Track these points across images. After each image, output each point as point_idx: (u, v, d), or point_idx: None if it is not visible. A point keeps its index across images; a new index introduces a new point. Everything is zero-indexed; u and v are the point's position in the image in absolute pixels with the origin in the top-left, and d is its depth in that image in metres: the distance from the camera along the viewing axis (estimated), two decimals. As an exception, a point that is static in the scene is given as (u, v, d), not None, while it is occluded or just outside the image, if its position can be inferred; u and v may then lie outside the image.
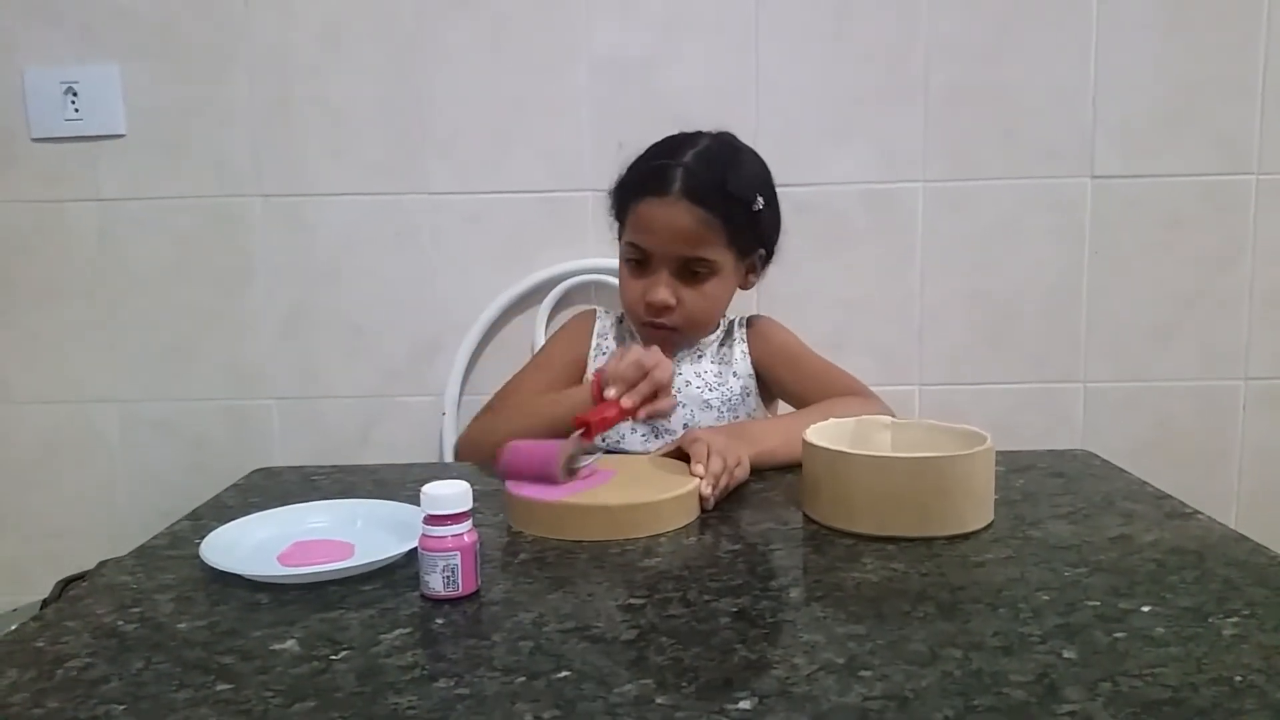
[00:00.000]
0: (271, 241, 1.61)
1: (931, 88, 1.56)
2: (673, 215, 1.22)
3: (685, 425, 1.29)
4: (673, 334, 1.29)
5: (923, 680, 0.63)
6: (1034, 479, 1.10)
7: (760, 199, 1.26)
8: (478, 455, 1.26)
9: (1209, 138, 1.56)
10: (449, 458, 1.56)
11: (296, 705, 0.62)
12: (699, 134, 1.30)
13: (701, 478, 0.99)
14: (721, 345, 1.38)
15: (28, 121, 1.58)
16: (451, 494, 0.78)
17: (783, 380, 1.36)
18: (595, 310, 1.44)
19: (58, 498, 1.66)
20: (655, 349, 1.12)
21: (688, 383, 1.32)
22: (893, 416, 1.14)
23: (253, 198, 1.60)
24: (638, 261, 1.28)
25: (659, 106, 1.55)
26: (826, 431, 1.02)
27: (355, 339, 1.62)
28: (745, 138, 1.56)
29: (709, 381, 1.33)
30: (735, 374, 1.35)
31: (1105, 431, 1.61)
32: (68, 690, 0.65)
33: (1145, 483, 1.08)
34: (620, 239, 1.32)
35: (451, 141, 1.59)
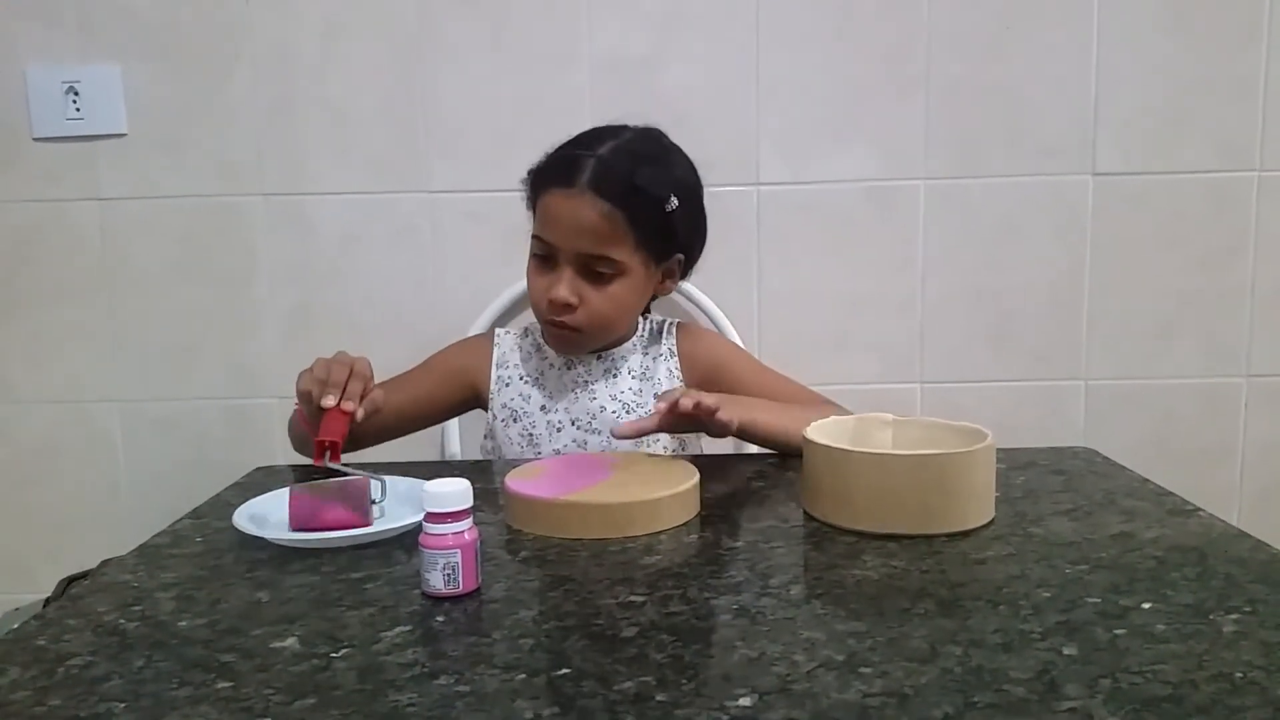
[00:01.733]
0: (273, 240, 1.61)
1: (933, 85, 1.56)
2: (575, 208, 1.15)
3: (604, 451, 1.22)
4: (576, 334, 1.21)
5: (923, 677, 0.63)
6: (1035, 476, 1.10)
7: (674, 199, 1.17)
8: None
9: (1211, 135, 1.56)
10: (451, 455, 1.56)
11: (297, 703, 0.62)
12: (624, 127, 1.22)
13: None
14: (644, 358, 1.29)
15: (29, 121, 1.58)
16: (452, 492, 0.78)
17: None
18: (493, 333, 1.35)
19: (60, 497, 1.67)
20: (342, 353, 1.10)
21: (602, 408, 1.24)
22: None
23: (254, 196, 1.60)
24: (544, 257, 1.20)
25: (660, 105, 1.55)
26: (827, 429, 1.02)
27: (357, 338, 1.61)
28: (746, 136, 1.57)
29: (626, 402, 1.25)
30: (657, 394, 1.24)
31: (1107, 429, 1.61)
32: (69, 688, 0.65)
33: (1146, 480, 1.08)
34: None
35: (453, 140, 1.59)
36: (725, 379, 1.29)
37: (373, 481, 0.99)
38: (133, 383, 1.64)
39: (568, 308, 1.18)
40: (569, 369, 1.28)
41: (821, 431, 1.00)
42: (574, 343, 1.24)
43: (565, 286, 1.17)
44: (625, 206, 1.15)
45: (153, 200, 1.60)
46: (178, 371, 1.64)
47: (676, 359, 1.29)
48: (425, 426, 1.34)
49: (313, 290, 1.62)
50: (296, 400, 1.12)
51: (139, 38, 1.57)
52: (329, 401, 1.04)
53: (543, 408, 1.26)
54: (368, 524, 0.94)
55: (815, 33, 1.56)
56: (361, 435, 1.19)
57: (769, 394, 1.26)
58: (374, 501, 0.98)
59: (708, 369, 1.29)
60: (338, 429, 1.04)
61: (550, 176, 1.19)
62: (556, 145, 1.24)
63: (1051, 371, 1.62)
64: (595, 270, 1.18)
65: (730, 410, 1.08)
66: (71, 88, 1.56)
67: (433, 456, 1.59)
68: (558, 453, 1.23)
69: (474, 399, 1.32)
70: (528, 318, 1.59)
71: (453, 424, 1.56)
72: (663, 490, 0.96)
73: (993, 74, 1.56)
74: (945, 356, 1.62)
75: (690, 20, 1.56)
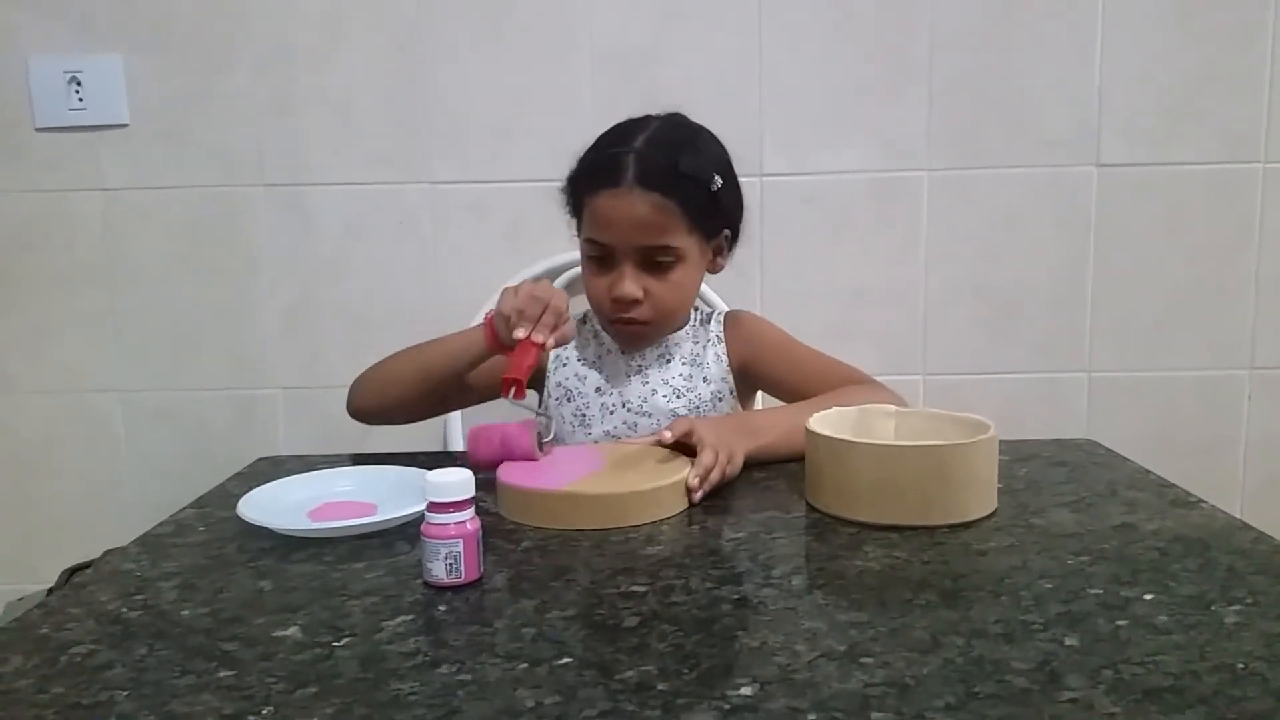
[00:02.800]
0: (274, 231, 1.61)
1: (936, 76, 1.56)
2: (628, 205, 1.16)
3: (599, 443, 1.23)
4: (645, 328, 1.23)
5: (924, 667, 0.63)
6: (1037, 468, 1.10)
7: (718, 178, 1.19)
8: (364, 389, 1.25)
9: (1215, 126, 1.56)
10: (453, 447, 1.56)
11: (299, 691, 0.62)
12: (648, 118, 1.23)
13: (693, 489, 0.99)
14: (695, 345, 1.30)
15: (32, 111, 1.58)
16: (454, 482, 0.78)
17: (778, 377, 1.30)
18: None
19: (62, 487, 1.67)
20: (544, 282, 1.11)
21: (654, 391, 1.25)
22: (902, 402, 1.14)
23: (255, 187, 1.60)
24: (600, 259, 1.21)
25: (661, 96, 1.54)
26: (829, 420, 1.02)
27: (358, 328, 1.62)
28: (749, 128, 1.57)
29: (676, 387, 1.26)
30: (706, 379, 1.27)
31: (1110, 421, 1.60)
32: (72, 676, 0.65)
33: (1148, 471, 1.08)
34: (579, 236, 1.26)
35: (454, 131, 1.58)
36: (759, 361, 1.30)
37: (542, 419, 1.11)
38: (134, 373, 1.64)
39: (635, 303, 1.19)
40: (625, 355, 1.29)
41: (824, 422, 1.00)
42: (642, 337, 1.26)
43: (629, 283, 1.18)
44: (674, 194, 1.16)
45: (154, 191, 1.60)
46: (179, 362, 1.64)
47: (723, 344, 1.31)
48: (481, 400, 1.32)
49: (314, 281, 1.62)
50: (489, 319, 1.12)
51: (141, 28, 1.56)
52: (519, 334, 1.05)
53: (598, 389, 1.27)
54: (536, 459, 1.05)
55: (818, 23, 1.55)
56: (439, 411, 1.27)
57: (800, 374, 1.27)
58: (543, 440, 1.08)
59: (745, 351, 1.31)
60: (525, 364, 1.05)
61: (594, 179, 1.19)
62: (586, 148, 1.24)
63: (1054, 363, 1.62)
64: (655, 261, 1.19)
65: (729, 446, 1.05)
66: (74, 78, 1.56)
67: (434, 448, 1.59)
68: (607, 434, 1.25)
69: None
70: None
71: (455, 416, 1.56)
72: (658, 480, 0.96)
73: (996, 65, 1.55)
74: (948, 348, 1.62)
75: (692, 11, 1.55)
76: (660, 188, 1.15)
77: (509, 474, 0.99)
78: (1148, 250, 1.59)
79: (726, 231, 1.28)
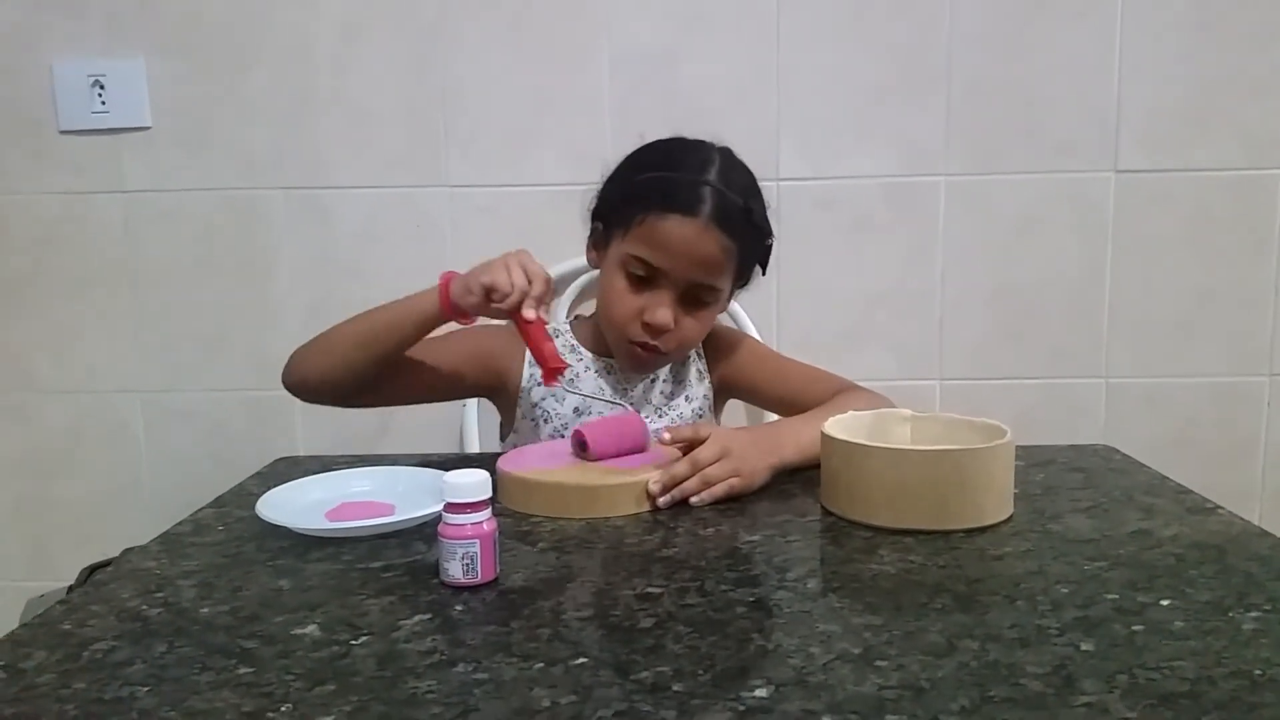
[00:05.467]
0: (293, 233, 1.62)
1: (954, 81, 1.56)
2: (700, 240, 1.13)
3: None
4: (662, 357, 1.21)
5: (939, 671, 0.63)
6: (1054, 473, 1.10)
7: (772, 233, 1.21)
8: (300, 357, 1.16)
9: (1233, 132, 1.55)
10: (470, 448, 1.57)
11: (317, 689, 0.62)
12: (703, 144, 1.21)
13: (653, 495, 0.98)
14: (678, 363, 1.29)
15: (56, 114, 1.60)
16: (471, 482, 0.78)
17: (766, 391, 1.30)
18: None
19: (83, 486, 1.69)
20: (525, 251, 1.07)
21: (636, 410, 1.23)
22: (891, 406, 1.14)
23: (274, 190, 1.61)
24: (641, 278, 1.17)
25: (680, 100, 1.56)
26: (845, 424, 1.02)
27: (376, 330, 1.63)
28: (766, 132, 1.58)
29: (658, 405, 1.26)
30: (688, 397, 1.27)
31: (1127, 427, 1.60)
32: (93, 672, 0.66)
33: (1166, 477, 1.07)
34: (604, 241, 1.22)
35: (472, 134, 1.59)
36: (743, 374, 1.30)
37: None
38: (154, 374, 1.66)
39: (664, 331, 1.17)
40: (608, 372, 1.27)
41: (839, 426, 1.00)
42: (653, 365, 1.24)
43: (668, 311, 1.16)
44: (739, 240, 1.16)
45: (175, 193, 1.62)
46: (199, 363, 1.65)
47: (703, 360, 1.31)
48: (441, 400, 1.30)
49: (332, 283, 1.63)
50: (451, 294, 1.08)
51: (163, 32, 1.58)
52: (530, 314, 1.03)
53: (576, 410, 1.24)
54: (646, 450, 1.07)
55: (836, 28, 1.55)
56: (383, 394, 1.19)
57: (785, 385, 1.27)
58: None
59: (727, 366, 1.31)
60: (550, 346, 1.05)
61: (666, 202, 1.14)
62: (638, 161, 1.21)
63: (1072, 369, 1.61)
64: (695, 296, 1.18)
65: (752, 463, 1.03)
66: (97, 81, 1.58)
67: (452, 448, 1.60)
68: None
69: (496, 387, 1.28)
70: (549, 311, 1.60)
71: (471, 416, 1.57)
72: (647, 472, 0.99)
73: (1014, 70, 1.55)
74: (965, 353, 1.62)
75: (710, 15, 1.56)
76: (731, 231, 1.14)
77: (508, 461, 1.03)
78: (1166, 256, 1.58)
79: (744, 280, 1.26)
